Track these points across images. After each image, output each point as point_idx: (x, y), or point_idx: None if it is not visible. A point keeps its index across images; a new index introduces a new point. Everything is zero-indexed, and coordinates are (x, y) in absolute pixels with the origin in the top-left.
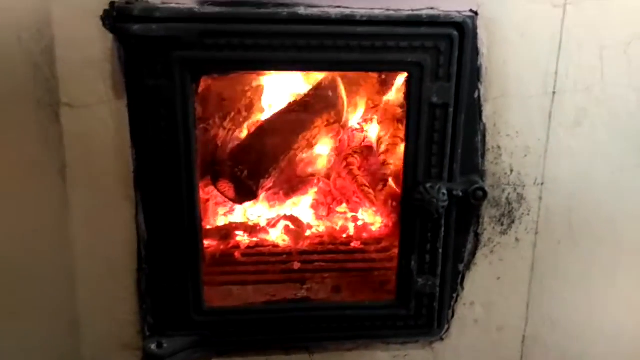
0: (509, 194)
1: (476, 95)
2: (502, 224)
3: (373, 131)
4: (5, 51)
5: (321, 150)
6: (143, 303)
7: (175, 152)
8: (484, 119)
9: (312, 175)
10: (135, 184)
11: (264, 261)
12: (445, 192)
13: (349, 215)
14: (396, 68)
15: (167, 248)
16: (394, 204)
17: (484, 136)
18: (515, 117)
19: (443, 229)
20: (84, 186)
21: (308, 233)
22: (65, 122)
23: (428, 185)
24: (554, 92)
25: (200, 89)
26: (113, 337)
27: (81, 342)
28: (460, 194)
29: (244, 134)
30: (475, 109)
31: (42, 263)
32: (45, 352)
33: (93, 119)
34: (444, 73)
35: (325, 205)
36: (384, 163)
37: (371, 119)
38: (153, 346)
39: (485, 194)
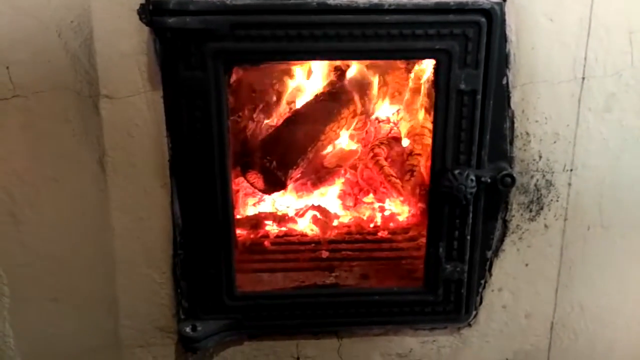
0: (537, 180)
1: (504, 81)
2: (531, 211)
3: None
4: (47, 45)
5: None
6: (178, 287)
7: (209, 141)
8: (512, 106)
9: (339, 166)
10: (170, 172)
11: (293, 250)
12: (473, 178)
13: (376, 205)
14: (424, 56)
15: (201, 234)
16: (422, 191)
17: (512, 122)
18: (544, 103)
19: (471, 215)
20: (122, 175)
21: (335, 223)
22: (104, 113)
23: (456, 171)
24: (583, 78)
25: (231, 81)
26: (150, 320)
27: (119, 325)
28: (489, 180)
29: (272, 125)
30: (503, 96)
31: (82, 249)
32: (85, 335)
33: (131, 109)
34: (471, 60)
35: (352, 195)
36: (411, 153)
37: (398, 110)
38: (188, 329)
39: (513, 180)
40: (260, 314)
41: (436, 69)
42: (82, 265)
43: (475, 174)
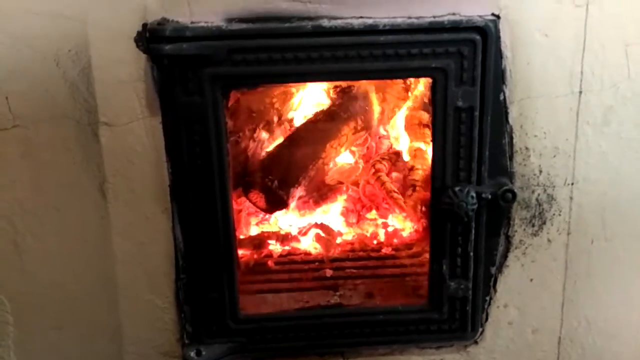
0: (538, 194)
1: (501, 97)
2: (533, 225)
3: (400, 138)
4: (45, 74)
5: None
6: (182, 312)
7: (208, 165)
8: (511, 121)
9: (341, 183)
10: (171, 197)
11: (297, 269)
12: (474, 195)
13: (379, 221)
14: (420, 74)
15: (203, 258)
16: (424, 208)
17: (511, 138)
18: (542, 118)
19: (473, 232)
20: (123, 201)
21: (339, 240)
22: (104, 140)
23: (457, 188)
24: (580, 92)
25: (230, 103)
26: (154, 345)
27: (123, 351)
28: (490, 196)
29: (273, 144)
30: (501, 111)
31: (85, 276)
32: None
33: (130, 136)
34: (468, 77)
35: (355, 212)
36: (412, 169)
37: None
38: (192, 353)
39: (514, 195)
40: (264, 337)
41: (433, 87)
42: (85, 293)
43: (475, 191)
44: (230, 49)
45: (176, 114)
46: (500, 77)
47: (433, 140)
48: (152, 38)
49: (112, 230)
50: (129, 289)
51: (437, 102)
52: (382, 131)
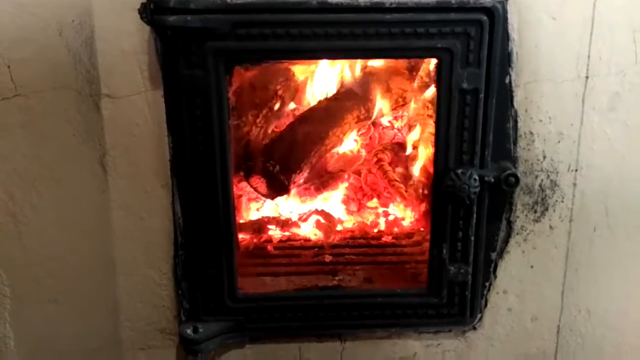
0: (542, 180)
1: (507, 80)
2: (536, 211)
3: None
4: (48, 44)
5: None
6: (179, 289)
7: (210, 140)
8: (516, 105)
9: (343, 170)
10: (171, 172)
11: (296, 254)
12: (476, 178)
13: (380, 210)
14: (426, 54)
15: (202, 234)
16: (425, 191)
17: (515, 122)
18: (547, 102)
19: (475, 216)
20: (122, 174)
21: (339, 228)
22: (105, 112)
23: (459, 171)
24: (586, 77)
25: (234, 82)
26: (151, 322)
27: (120, 327)
28: (492, 180)
29: (276, 129)
30: (506, 95)
31: (83, 250)
32: (85, 337)
33: (131, 109)
34: (474, 58)
35: (356, 200)
36: (414, 159)
37: (401, 116)
38: (189, 331)
39: (517, 180)
40: (262, 316)
41: (438, 68)
42: (82, 266)
43: (478, 174)
44: (234, 22)
45: (178, 87)
46: (506, 59)
47: (437, 122)
48: (156, 9)
49: (111, 204)
50: (126, 264)
51: (442, 83)
52: (385, 122)
